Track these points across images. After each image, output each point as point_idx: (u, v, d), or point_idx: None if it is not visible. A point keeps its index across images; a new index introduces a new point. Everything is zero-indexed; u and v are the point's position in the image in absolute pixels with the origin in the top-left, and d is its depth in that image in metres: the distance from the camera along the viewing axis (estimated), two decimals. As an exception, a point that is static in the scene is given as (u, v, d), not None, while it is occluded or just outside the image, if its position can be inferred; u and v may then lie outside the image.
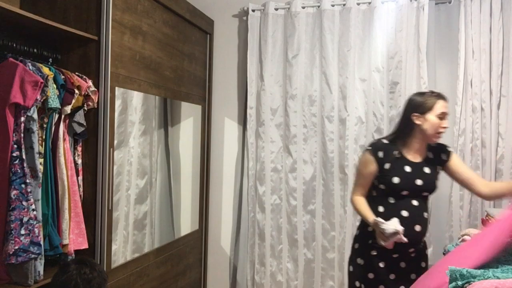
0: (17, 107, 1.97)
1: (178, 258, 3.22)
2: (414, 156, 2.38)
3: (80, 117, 2.30)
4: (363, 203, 2.41)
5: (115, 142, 2.48)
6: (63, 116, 2.22)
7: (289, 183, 3.41)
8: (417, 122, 2.34)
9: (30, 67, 2.01)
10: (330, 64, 3.28)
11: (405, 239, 2.21)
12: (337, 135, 3.30)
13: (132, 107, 2.66)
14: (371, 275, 2.38)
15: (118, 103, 2.49)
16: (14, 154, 1.95)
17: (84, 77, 2.33)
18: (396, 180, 2.32)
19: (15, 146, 1.95)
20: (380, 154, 2.36)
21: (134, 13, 2.60)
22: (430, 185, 2.38)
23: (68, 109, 2.22)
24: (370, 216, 2.32)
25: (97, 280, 1.88)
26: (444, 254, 2.39)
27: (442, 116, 2.33)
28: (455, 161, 2.45)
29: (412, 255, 2.39)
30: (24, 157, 1.97)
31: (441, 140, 3.14)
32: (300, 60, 3.35)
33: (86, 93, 2.29)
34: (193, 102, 3.39)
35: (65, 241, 2.20)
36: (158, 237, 3.01)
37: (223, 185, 3.67)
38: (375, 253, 2.37)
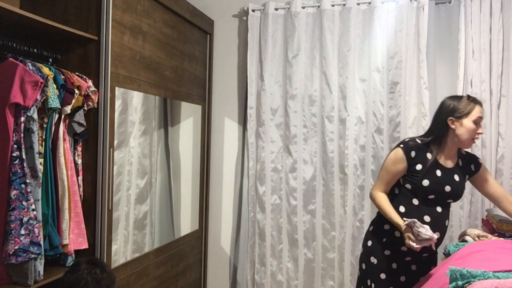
0: (17, 107, 1.97)
1: (178, 258, 3.22)
2: (445, 161, 2.34)
3: (80, 117, 2.30)
4: (387, 202, 2.34)
5: (115, 142, 2.48)
6: (63, 116, 2.22)
7: (289, 183, 3.41)
8: (452, 126, 2.30)
9: (30, 67, 2.01)
10: (330, 64, 3.28)
11: (433, 247, 2.18)
12: (337, 135, 3.30)
13: (132, 107, 2.66)
14: (383, 276, 2.37)
15: (118, 103, 2.49)
16: (14, 154, 1.95)
17: (84, 77, 2.32)
18: (426, 182, 2.27)
19: (15, 146, 1.95)
20: (413, 153, 2.31)
21: (134, 13, 2.60)
22: (457, 193, 2.35)
23: (68, 109, 2.22)
24: (398, 218, 2.24)
25: (106, 281, 1.93)
26: (444, 254, 2.40)
27: (478, 121, 2.29)
28: (483, 175, 2.42)
29: (423, 259, 2.38)
30: (24, 157, 1.97)
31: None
32: (300, 60, 3.35)
33: (86, 93, 2.29)
34: (193, 102, 3.39)
35: (65, 241, 2.20)
36: (158, 237, 3.01)
37: (223, 185, 3.67)
38: (388, 253, 2.36)
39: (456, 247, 2.26)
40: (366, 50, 3.22)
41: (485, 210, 2.94)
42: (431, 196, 2.29)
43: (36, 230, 1.99)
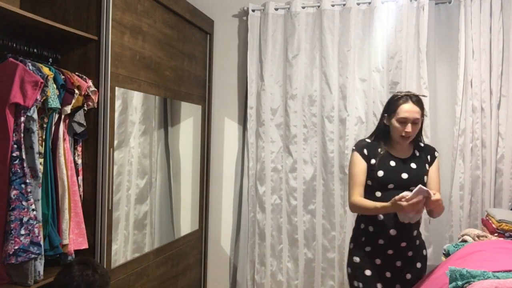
0: (17, 107, 1.97)
1: (178, 258, 3.22)
2: (399, 153, 2.41)
3: (80, 117, 2.30)
4: (366, 200, 2.36)
5: (115, 142, 2.48)
6: (63, 116, 2.22)
7: (289, 183, 3.41)
8: (387, 123, 2.40)
9: (30, 67, 2.01)
10: (330, 64, 3.28)
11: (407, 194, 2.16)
12: (337, 135, 3.30)
13: (132, 107, 2.66)
14: (368, 272, 2.38)
15: (118, 103, 2.49)
16: (14, 154, 1.95)
17: (84, 77, 2.33)
18: (380, 173, 2.34)
19: (15, 146, 1.95)
20: (365, 151, 2.41)
21: (134, 13, 2.60)
22: (416, 179, 2.33)
23: (68, 109, 2.22)
24: (382, 203, 2.26)
25: (99, 282, 1.90)
26: (444, 254, 2.40)
27: (403, 121, 2.31)
28: (433, 168, 2.45)
29: (408, 254, 2.38)
30: (24, 157, 1.97)
31: (441, 140, 3.18)
32: (300, 60, 3.35)
33: (86, 93, 2.29)
34: (193, 102, 3.39)
35: (65, 241, 2.20)
36: (158, 237, 3.01)
37: (223, 185, 3.67)
38: (369, 249, 2.38)
39: (456, 247, 2.26)
40: (366, 50, 3.22)
41: (485, 210, 2.94)
42: (391, 186, 2.34)
43: (36, 230, 1.99)
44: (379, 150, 2.40)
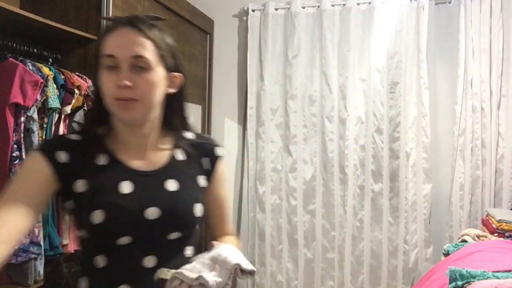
0: (17, 107, 1.97)
1: (178, 258, 3.22)
2: (137, 157, 1.19)
3: (80, 117, 2.29)
4: None
5: (115, 142, 2.48)
6: (63, 116, 2.22)
7: (289, 183, 3.41)
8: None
9: (30, 67, 2.01)
10: (330, 64, 3.28)
11: None
12: (337, 135, 3.30)
13: (132, 107, 2.65)
14: None
15: (118, 103, 2.49)
16: (14, 154, 1.95)
17: (84, 77, 2.32)
18: (98, 216, 1.11)
19: (15, 146, 1.95)
20: (63, 157, 1.15)
21: (134, 13, 2.60)
22: (179, 217, 1.19)
23: (68, 109, 2.21)
24: None
25: None
26: (444, 253, 2.40)
27: (113, 65, 1.09)
28: (217, 181, 1.30)
29: None
30: (24, 157, 1.97)
31: (441, 140, 3.17)
32: (300, 60, 3.35)
33: (86, 93, 2.29)
34: (193, 102, 3.39)
35: (65, 241, 2.20)
36: (158, 237, 3.01)
37: (223, 185, 3.66)
38: None
39: (456, 247, 2.26)
40: (366, 50, 3.22)
41: (485, 210, 2.94)
42: (123, 240, 1.13)
43: (36, 230, 1.99)
44: (95, 156, 1.14)
